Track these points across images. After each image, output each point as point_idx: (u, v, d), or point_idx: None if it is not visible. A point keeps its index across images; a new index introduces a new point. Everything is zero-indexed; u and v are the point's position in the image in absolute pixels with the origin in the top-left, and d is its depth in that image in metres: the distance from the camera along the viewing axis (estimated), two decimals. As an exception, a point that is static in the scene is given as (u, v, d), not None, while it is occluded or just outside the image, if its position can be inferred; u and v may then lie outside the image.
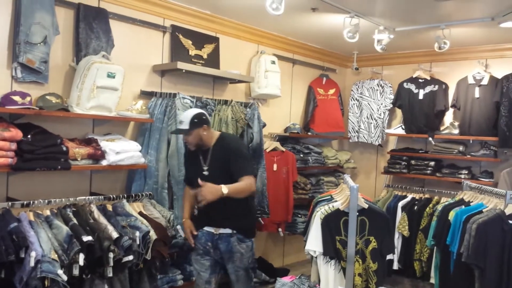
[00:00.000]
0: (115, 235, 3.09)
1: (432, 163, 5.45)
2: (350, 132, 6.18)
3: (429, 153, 5.54)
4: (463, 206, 3.75)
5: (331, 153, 5.82)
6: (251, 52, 5.09)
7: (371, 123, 5.99)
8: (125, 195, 3.65)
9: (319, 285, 3.20)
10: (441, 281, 3.81)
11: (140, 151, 3.68)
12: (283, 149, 5.09)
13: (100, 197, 3.50)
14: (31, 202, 3.12)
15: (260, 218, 4.64)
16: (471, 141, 5.27)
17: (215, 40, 4.64)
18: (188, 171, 3.52)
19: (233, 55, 4.85)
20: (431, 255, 4.32)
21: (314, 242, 3.15)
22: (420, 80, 5.62)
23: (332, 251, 3.08)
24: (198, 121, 3.18)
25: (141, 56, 4.05)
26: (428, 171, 5.45)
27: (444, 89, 5.49)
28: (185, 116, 3.23)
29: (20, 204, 3.09)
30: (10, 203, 3.07)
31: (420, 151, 5.65)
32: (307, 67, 5.86)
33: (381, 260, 3.14)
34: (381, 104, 5.94)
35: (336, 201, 3.35)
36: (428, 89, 5.54)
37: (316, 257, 3.19)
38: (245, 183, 3.12)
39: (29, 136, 3.07)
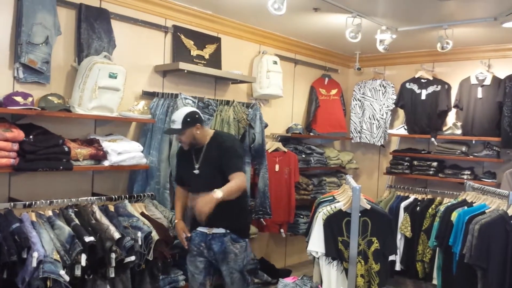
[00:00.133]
0: (117, 235, 3.09)
1: (434, 164, 5.43)
2: (352, 133, 6.17)
3: (431, 153, 5.53)
4: (465, 207, 3.74)
5: (333, 153, 5.81)
6: (253, 52, 5.09)
7: (373, 123, 5.98)
8: (127, 196, 3.65)
9: (321, 286, 3.20)
10: (443, 282, 3.80)
11: (142, 152, 3.68)
12: (285, 149, 5.08)
13: (102, 197, 3.50)
14: (33, 202, 3.12)
15: (262, 219, 4.64)
16: (473, 142, 5.25)
17: (217, 40, 4.64)
18: (179, 170, 3.48)
19: (235, 55, 4.84)
20: (434, 256, 4.31)
21: (316, 243, 3.15)
22: (422, 80, 5.61)
23: (334, 252, 3.07)
24: (190, 120, 3.14)
25: (143, 56, 4.05)
26: (431, 172, 5.43)
27: (447, 89, 5.48)
28: (178, 115, 3.18)
29: (22, 204, 3.09)
30: (12, 204, 3.07)
31: (423, 152, 5.64)
32: (309, 67, 5.86)
33: (383, 261, 3.14)
34: (383, 104, 5.93)
35: (338, 201, 3.34)
36: (431, 89, 5.53)
37: (318, 258, 3.18)
38: (236, 183, 3.05)
39: (31, 137, 3.07)
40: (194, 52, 4.39)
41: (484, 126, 5.13)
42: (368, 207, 3.13)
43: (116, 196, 3.56)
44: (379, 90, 5.99)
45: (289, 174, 5.01)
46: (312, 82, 5.90)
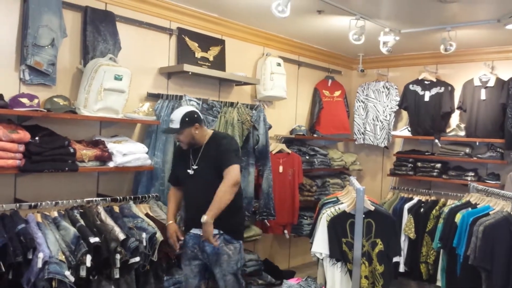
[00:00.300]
0: (122, 236, 3.10)
1: (438, 165, 5.43)
2: (356, 134, 6.18)
3: (435, 155, 5.53)
4: (469, 208, 3.74)
5: (336, 155, 5.82)
6: (257, 54, 5.11)
7: (377, 125, 5.98)
8: (132, 197, 3.66)
9: (325, 287, 3.20)
10: (447, 283, 3.80)
11: (147, 153, 3.70)
12: (289, 151, 5.09)
13: (107, 198, 3.52)
14: (39, 203, 3.13)
15: (266, 220, 4.65)
16: (477, 143, 5.25)
17: (221, 42, 4.65)
18: (175, 169, 3.42)
19: (239, 58, 4.86)
20: (438, 257, 4.31)
21: (320, 244, 3.15)
22: (426, 82, 5.61)
23: (339, 253, 3.08)
24: (189, 120, 3.10)
25: (147, 58, 4.07)
26: (435, 173, 5.43)
27: (450, 91, 5.48)
28: (176, 114, 3.14)
29: (28, 205, 3.11)
30: (18, 205, 3.09)
31: (426, 153, 5.64)
32: (312, 69, 5.86)
33: (387, 263, 3.14)
34: (387, 106, 5.94)
35: (342, 203, 3.35)
36: (434, 91, 5.53)
37: (322, 259, 3.19)
38: (221, 191, 2.98)
39: (37, 138, 3.09)
40: (199, 54, 4.41)
41: (488, 128, 5.13)
42: (372, 208, 3.13)
43: (121, 197, 3.58)
44: (382, 91, 5.99)
45: (293, 176, 5.01)
46: (315, 84, 5.91)
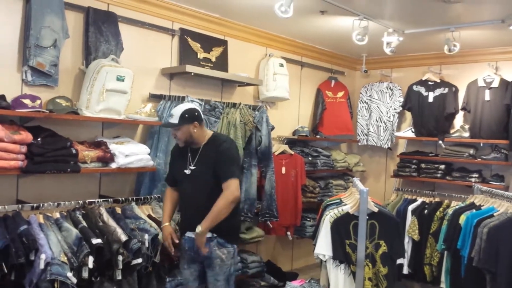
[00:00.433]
0: (124, 238, 3.10)
1: (442, 167, 5.41)
2: (359, 135, 6.16)
3: (439, 156, 5.50)
4: (474, 210, 3.72)
5: (340, 156, 5.80)
6: (260, 55, 5.10)
7: (380, 126, 5.96)
8: (134, 198, 3.65)
9: (328, 289, 3.18)
10: (452, 285, 3.78)
11: (149, 154, 3.69)
12: (292, 152, 5.08)
13: (109, 199, 3.51)
14: (41, 204, 3.13)
15: (268, 222, 4.63)
16: (481, 144, 5.22)
17: (223, 43, 4.65)
18: (172, 169, 3.33)
19: (242, 58, 4.85)
20: (442, 259, 4.28)
21: (323, 246, 3.14)
22: (429, 83, 5.59)
23: (342, 255, 3.06)
24: (188, 117, 3.03)
25: (150, 59, 4.06)
26: (438, 175, 5.41)
27: (454, 91, 5.45)
28: (177, 110, 3.07)
29: (30, 206, 3.11)
30: (20, 206, 3.08)
31: (430, 154, 5.61)
32: (315, 70, 5.85)
33: (391, 264, 3.12)
34: (391, 107, 5.92)
35: (345, 204, 3.33)
36: (438, 91, 5.51)
37: (325, 261, 3.17)
38: (220, 204, 2.92)
39: (39, 139, 3.08)
40: (201, 55, 4.40)
41: (492, 129, 5.10)
42: (376, 210, 3.12)
43: (123, 199, 3.57)
44: (386, 92, 5.97)
45: (296, 177, 5.00)
46: (318, 84, 5.89)
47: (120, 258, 3.06)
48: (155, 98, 4.06)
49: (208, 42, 4.49)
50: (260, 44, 5.07)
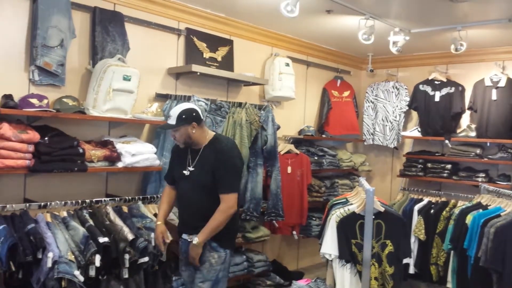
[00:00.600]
0: (130, 236, 3.11)
1: (448, 166, 5.39)
2: (365, 135, 6.14)
3: (445, 156, 5.48)
4: (480, 210, 3.71)
5: (345, 155, 5.79)
6: (265, 55, 5.10)
7: (386, 125, 5.95)
8: (141, 197, 3.67)
9: (334, 288, 3.18)
10: (458, 285, 3.77)
11: (155, 153, 3.70)
12: (298, 151, 5.07)
13: (116, 198, 3.53)
14: (48, 203, 3.16)
15: (274, 221, 4.64)
16: (488, 144, 5.19)
17: (229, 42, 4.65)
18: (171, 168, 3.22)
19: (247, 58, 4.85)
20: (448, 259, 4.28)
21: (329, 245, 3.14)
22: (436, 82, 5.57)
23: (348, 254, 3.06)
24: (186, 117, 2.91)
25: (156, 59, 4.07)
26: (445, 174, 5.39)
27: (461, 91, 5.43)
28: (174, 110, 2.96)
29: (38, 205, 3.13)
30: (27, 205, 3.11)
31: (437, 154, 5.59)
32: (321, 69, 5.84)
33: (397, 264, 3.11)
34: (397, 106, 5.90)
35: (351, 204, 3.33)
36: (445, 91, 5.49)
37: (331, 260, 3.17)
38: (218, 219, 2.86)
39: (46, 138, 3.10)
40: (207, 54, 4.41)
41: (499, 128, 5.08)
42: (382, 209, 3.11)
43: (130, 198, 3.59)
44: (392, 92, 5.95)
45: (302, 176, 4.99)
46: (324, 84, 5.88)
47: (127, 256, 3.08)
48: (161, 97, 4.07)
49: (214, 42, 4.50)
50: (266, 44, 5.07)
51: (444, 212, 4.80)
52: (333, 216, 3.19)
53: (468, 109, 5.38)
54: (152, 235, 3.24)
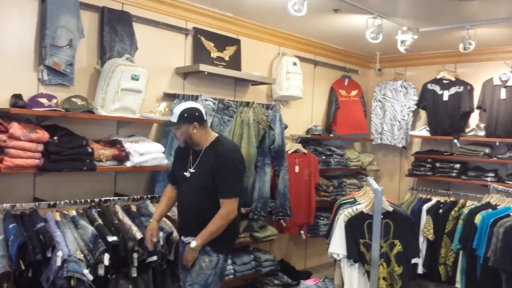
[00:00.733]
0: (139, 235, 3.12)
1: (457, 166, 5.36)
2: (373, 134, 6.13)
3: (454, 155, 5.45)
4: (490, 210, 3.69)
5: (353, 155, 5.78)
6: (273, 54, 5.09)
7: (394, 124, 5.93)
8: (149, 196, 3.67)
9: (342, 288, 3.18)
10: (467, 285, 3.75)
11: (163, 153, 3.71)
12: (305, 151, 5.07)
13: (124, 198, 3.54)
14: (57, 202, 3.17)
15: (282, 220, 4.63)
16: (497, 143, 5.16)
17: (236, 42, 4.65)
18: (174, 168, 3.18)
19: (255, 57, 4.85)
20: (457, 259, 4.25)
21: (337, 245, 3.13)
22: (444, 81, 5.54)
23: (356, 254, 3.05)
24: (187, 116, 2.85)
25: (164, 58, 4.09)
26: (454, 174, 5.36)
27: (469, 90, 5.40)
28: (177, 108, 2.92)
29: (47, 204, 3.15)
30: (37, 204, 3.12)
31: (445, 154, 5.56)
32: (329, 68, 5.83)
33: (406, 264, 3.11)
34: (405, 105, 5.88)
35: (359, 203, 3.32)
36: (453, 90, 5.46)
37: (339, 260, 3.16)
38: (218, 223, 2.80)
39: (55, 138, 3.12)
40: (214, 54, 4.42)
41: (508, 128, 5.04)
42: (391, 209, 3.10)
43: (138, 197, 3.60)
44: (400, 91, 5.93)
45: (309, 176, 4.99)
46: (332, 83, 5.87)
47: (136, 255, 3.08)
48: (169, 97, 4.08)
49: (222, 41, 4.50)
50: (273, 43, 5.07)
51: (453, 212, 4.78)
52: (341, 215, 3.19)
53: (477, 108, 5.35)
54: (161, 234, 3.24)
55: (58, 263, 2.76)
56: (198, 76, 4.27)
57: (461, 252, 3.92)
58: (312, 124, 5.55)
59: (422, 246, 4.85)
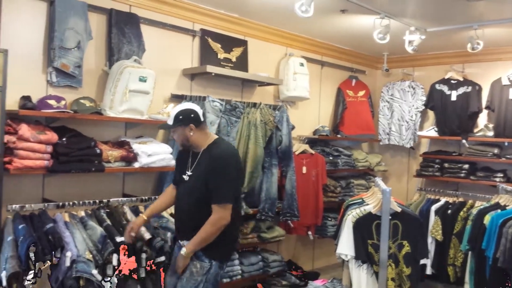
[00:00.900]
0: (147, 236, 3.13)
1: (466, 166, 5.32)
2: (380, 135, 6.11)
3: (463, 155, 5.42)
4: (498, 210, 3.66)
5: (361, 155, 5.76)
6: (280, 55, 5.10)
7: (402, 125, 5.90)
8: (157, 197, 3.68)
9: (350, 289, 3.17)
10: (476, 286, 3.73)
11: (171, 154, 3.72)
12: (313, 151, 5.06)
13: (133, 198, 3.56)
14: (66, 203, 3.20)
15: (289, 221, 4.63)
16: (506, 144, 5.13)
17: (243, 43, 4.66)
18: (176, 170, 3.08)
19: (262, 58, 4.86)
20: (465, 260, 4.24)
21: (345, 246, 3.13)
22: (452, 81, 5.51)
23: (364, 255, 3.05)
24: (183, 118, 2.77)
25: (171, 60, 4.10)
26: (462, 174, 5.32)
27: (478, 90, 5.37)
28: (174, 110, 2.85)
29: (56, 205, 3.17)
30: (46, 204, 3.15)
31: (454, 154, 5.53)
32: (336, 69, 5.82)
33: (414, 265, 3.09)
34: (413, 106, 5.85)
35: (367, 204, 3.31)
36: (461, 90, 5.43)
37: (347, 261, 3.16)
38: (208, 230, 2.67)
39: (64, 139, 3.14)
40: (221, 55, 4.43)
41: (517, 128, 5.01)
42: (399, 210, 3.09)
43: (146, 197, 3.62)
44: (408, 91, 5.91)
45: (317, 176, 4.98)
46: (339, 83, 5.86)
47: (144, 256, 3.10)
48: (176, 98, 4.09)
49: (228, 42, 4.51)
50: (280, 44, 5.07)
51: (462, 213, 4.75)
52: (349, 216, 3.18)
53: (485, 108, 5.32)
54: (169, 234, 3.26)
55: (67, 263, 2.78)
56: (205, 77, 4.28)
57: (470, 253, 3.90)
58: (320, 124, 5.54)
59: (431, 247, 4.84)
